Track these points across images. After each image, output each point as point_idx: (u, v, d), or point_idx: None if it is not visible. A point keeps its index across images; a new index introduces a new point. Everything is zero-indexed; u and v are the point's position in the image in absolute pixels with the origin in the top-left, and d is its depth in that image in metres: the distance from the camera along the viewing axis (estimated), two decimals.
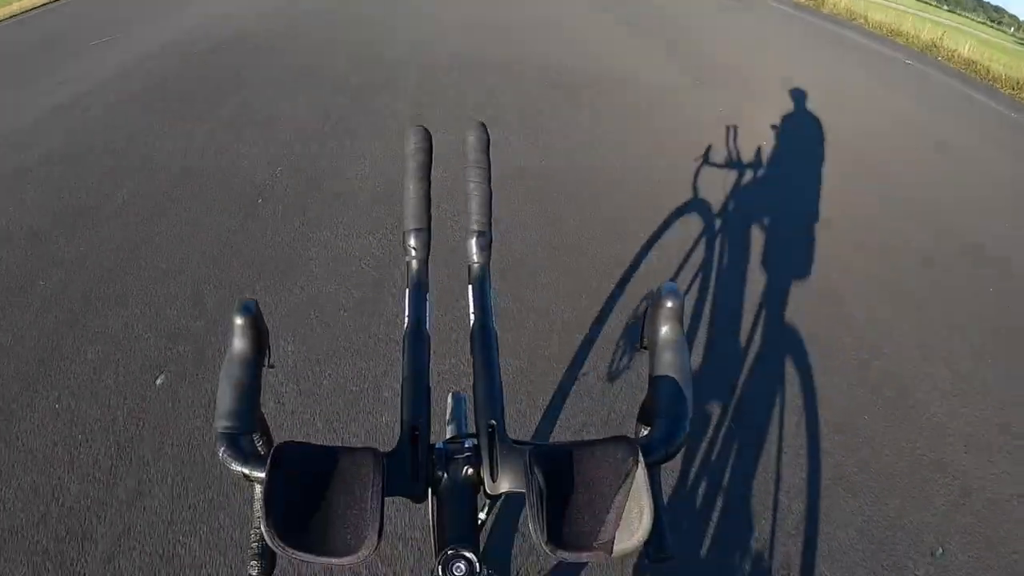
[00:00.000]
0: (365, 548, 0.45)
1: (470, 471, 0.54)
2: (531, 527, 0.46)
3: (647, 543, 0.53)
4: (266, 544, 0.55)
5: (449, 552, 0.50)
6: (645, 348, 0.60)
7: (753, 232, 3.19)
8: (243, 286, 2.39)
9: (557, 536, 0.46)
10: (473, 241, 0.67)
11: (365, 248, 2.69)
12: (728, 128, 4.24)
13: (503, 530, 1.59)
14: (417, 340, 0.61)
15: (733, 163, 3.88)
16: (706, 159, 3.83)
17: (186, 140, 3.52)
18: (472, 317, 0.64)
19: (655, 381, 0.57)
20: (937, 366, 2.45)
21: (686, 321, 2.07)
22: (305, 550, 0.45)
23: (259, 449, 0.56)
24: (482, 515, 0.89)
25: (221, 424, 0.53)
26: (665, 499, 0.65)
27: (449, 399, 1.10)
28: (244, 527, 1.54)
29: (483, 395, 0.57)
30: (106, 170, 3.17)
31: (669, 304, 0.58)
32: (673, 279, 2.67)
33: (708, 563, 1.63)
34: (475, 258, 0.67)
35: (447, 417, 1.10)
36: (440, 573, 0.50)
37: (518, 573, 1.50)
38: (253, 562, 0.54)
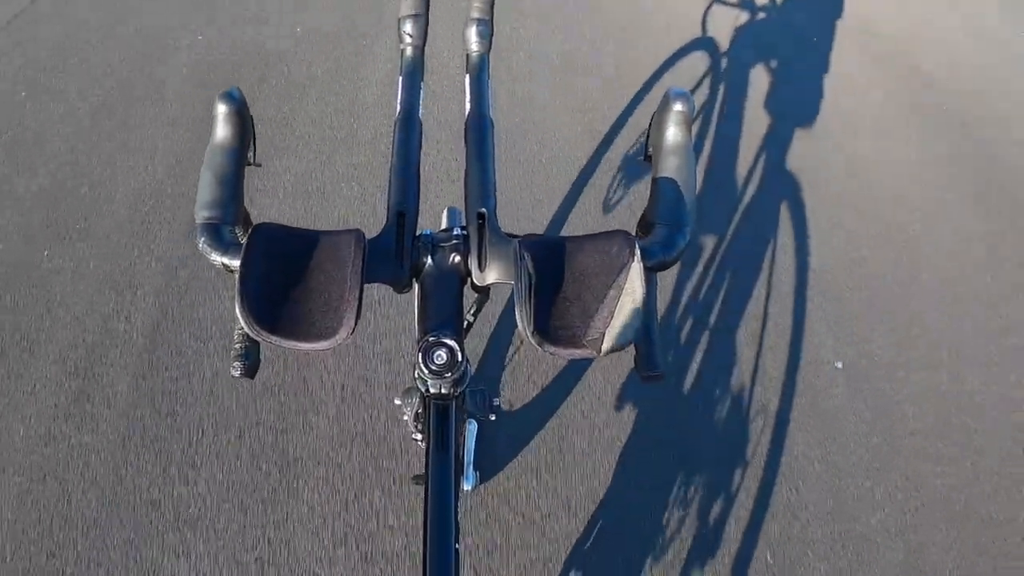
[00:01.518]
0: (342, 332, 0.44)
1: (457, 259, 0.52)
2: (518, 319, 0.45)
3: (636, 360, 0.53)
4: (248, 344, 0.54)
5: (430, 339, 0.50)
6: (650, 157, 0.58)
7: None
8: None
9: (544, 329, 0.45)
10: (473, 29, 0.65)
11: None
12: None
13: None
14: (409, 126, 0.59)
15: None
16: None
17: None
18: (468, 106, 0.62)
19: (658, 185, 0.54)
20: None
21: None
22: (281, 334, 0.44)
23: (240, 242, 0.54)
24: (470, 317, 0.90)
25: (202, 215, 0.52)
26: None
27: (444, 214, 1.08)
28: None
29: (475, 184, 0.55)
30: None
31: (678, 107, 0.54)
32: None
33: None
34: (474, 47, 0.65)
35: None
36: (421, 362, 0.50)
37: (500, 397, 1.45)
38: (236, 363, 0.54)
